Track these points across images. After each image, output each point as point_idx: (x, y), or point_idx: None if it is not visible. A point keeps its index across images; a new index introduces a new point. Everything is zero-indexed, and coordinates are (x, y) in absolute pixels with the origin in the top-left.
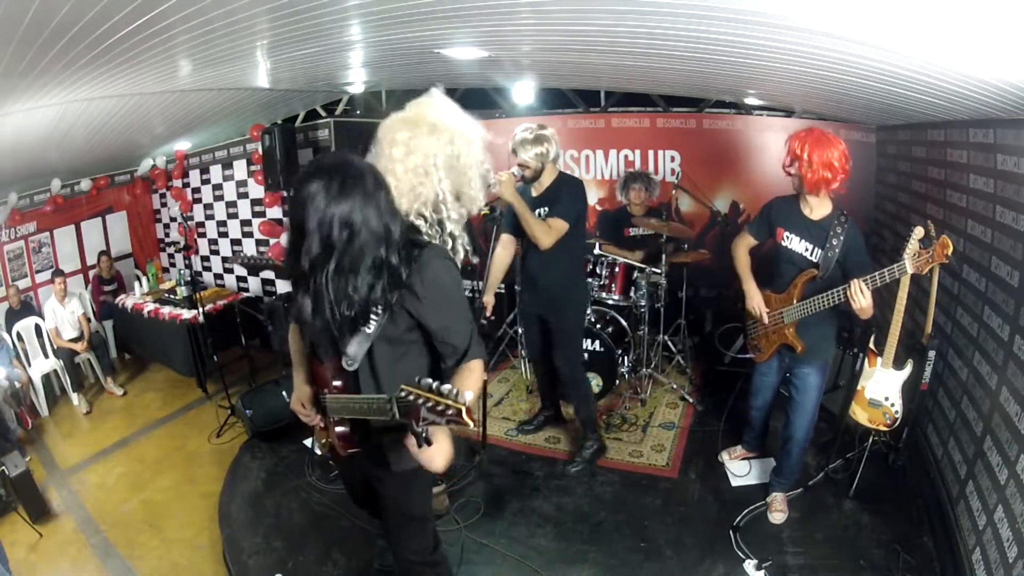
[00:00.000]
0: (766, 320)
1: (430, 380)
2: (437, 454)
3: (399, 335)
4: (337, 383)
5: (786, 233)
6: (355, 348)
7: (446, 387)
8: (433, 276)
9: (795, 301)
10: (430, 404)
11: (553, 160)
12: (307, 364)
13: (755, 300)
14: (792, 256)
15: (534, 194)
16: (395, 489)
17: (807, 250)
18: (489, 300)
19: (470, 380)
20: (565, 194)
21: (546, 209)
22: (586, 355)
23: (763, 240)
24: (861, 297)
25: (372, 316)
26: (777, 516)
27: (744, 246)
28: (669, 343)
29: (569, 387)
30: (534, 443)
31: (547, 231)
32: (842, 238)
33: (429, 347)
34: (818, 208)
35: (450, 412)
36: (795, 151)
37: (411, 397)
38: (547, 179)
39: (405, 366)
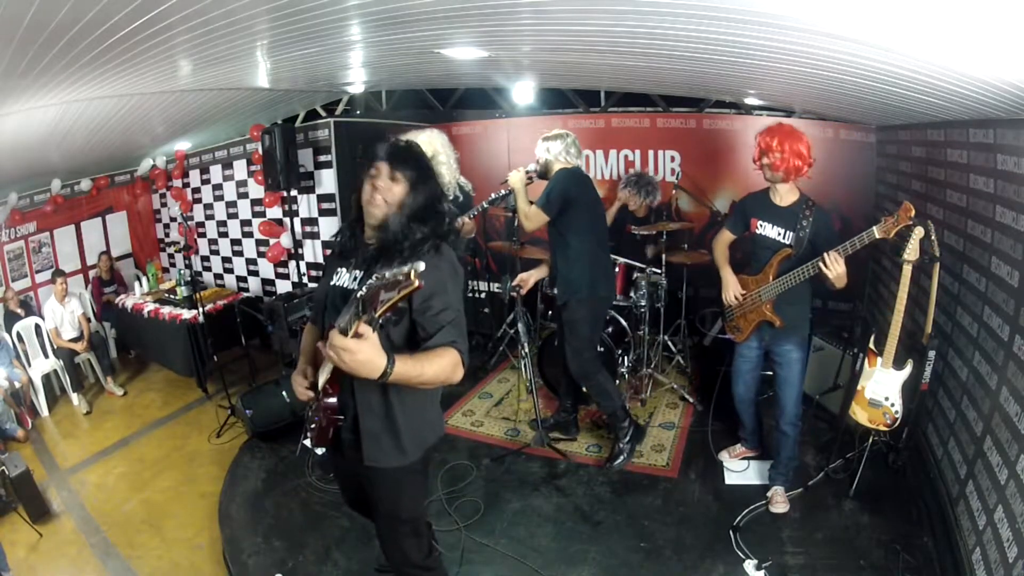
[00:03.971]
0: (740, 300)
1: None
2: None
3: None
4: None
5: (759, 222)
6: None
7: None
8: (433, 263)
9: (771, 279)
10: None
11: (561, 158)
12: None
13: (729, 288)
14: (766, 241)
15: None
16: (384, 490)
17: (779, 234)
18: (524, 277)
19: (436, 363)
20: (547, 187)
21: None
22: None
23: (739, 233)
24: (836, 265)
25: None
26: (779, 507)
27: (723, 241)
28: (669, 343)
29: (581, 382)
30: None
31: (525, 219)
32: (811, 219)
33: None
34: (787, 196)
35: (400, 277)
36: (767, 144)
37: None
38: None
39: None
